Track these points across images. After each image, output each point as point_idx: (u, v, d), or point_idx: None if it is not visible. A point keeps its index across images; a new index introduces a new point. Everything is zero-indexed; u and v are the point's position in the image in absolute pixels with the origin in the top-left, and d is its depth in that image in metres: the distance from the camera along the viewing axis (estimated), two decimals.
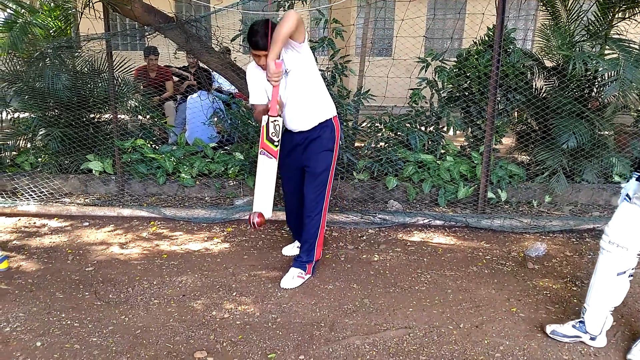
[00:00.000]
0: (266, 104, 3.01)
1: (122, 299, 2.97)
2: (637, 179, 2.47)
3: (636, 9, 4.48)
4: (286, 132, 3.04)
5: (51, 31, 5.10)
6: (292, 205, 3.34)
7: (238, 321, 2.75)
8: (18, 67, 4.82)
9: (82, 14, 4.63)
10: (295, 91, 2.94)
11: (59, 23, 5.17)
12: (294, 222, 3.44)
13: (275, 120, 2.90)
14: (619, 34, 4.55)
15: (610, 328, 2.60)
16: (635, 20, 4.54)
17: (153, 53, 6.13)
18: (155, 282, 3.16)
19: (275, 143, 2.93)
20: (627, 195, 2.46)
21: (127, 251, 3.62)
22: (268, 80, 2.83)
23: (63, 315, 2.79)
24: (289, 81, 2.91)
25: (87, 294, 3.03)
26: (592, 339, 2.54)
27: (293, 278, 3.13)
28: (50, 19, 5.11)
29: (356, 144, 4.80)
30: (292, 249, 3.57)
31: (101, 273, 3.28)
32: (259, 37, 2.78)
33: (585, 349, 2.52)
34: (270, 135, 2.91)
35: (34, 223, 4.13)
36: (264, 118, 2.91)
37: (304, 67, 2.91)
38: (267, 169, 2.94)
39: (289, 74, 2.89)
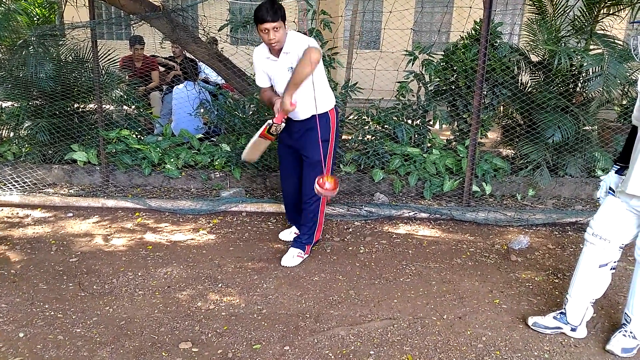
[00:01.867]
0: (270, 87, 3.18)
1: (107, 290, 2.95)
2: (616, 172, 2.51)
3: (621, 5, 4.52)
4: (286, 120, 3.15)
5: (35, 19, 5.03)
6: (289, 188, 3.45)
7: (223, 312, 2.75)
8: (0, 55, 4.74)
9: (66, 1, 4.56)
10: None
11: (43, 10, 5.10)
12: (290, 206, 3.54)
13: (278, 126, 3.05)
14: (603, 30, 4.60)
15: (590, 319, 2.66)
16: (620, 16, 4.58)
17: (139, 42, 6.06)
18: (140, 274, 3.15)
19: (274, 135, 3.12)
20: (611, 188, 2.50)
21: (112, 242, 3.59)
22: (275, 110, 3.03)
23: (46, 306, 2.77)
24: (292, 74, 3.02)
25: (70, 285, 3.01)
26: (573, 329, 2.58)
27: (293, 257, 3.30)
28: (34, 7, 5.03)
29: (343, 137, 4.81)
30: (289, 234, 3.66)
31: (85, 264, 3.26)
32: (264, 11, 2.83)
33: (566, 340, 2.57)
34: (271, 131, 3.08)
35: (17, 213, 4.09)
36: (268, 122, 3.06)
37: None
38: (259, 143, 3.19)
39: (292, 70, 2.99)
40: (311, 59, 2.82)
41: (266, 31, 2.88)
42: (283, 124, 3.07)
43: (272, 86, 3.18)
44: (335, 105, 3.25)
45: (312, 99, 3.05)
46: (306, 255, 3.36)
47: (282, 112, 3.00)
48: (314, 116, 3.08)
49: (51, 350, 2.41)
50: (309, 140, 3.15)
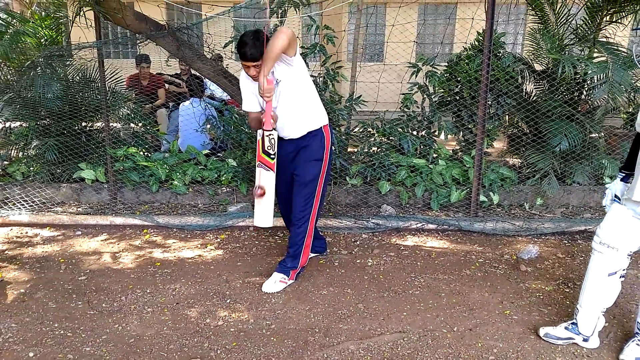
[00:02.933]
0: (259, 112, 3.04)
1: (116, 308, 2.95)
2: (621, 179, 2.50)
3: (623, 12, 4.53)
4: (278, 140, 3.06)
5: (42, 40, 5.10)
6: (285, 207, 3.37)
7: (232, 328, 2.75)
8: (9, 76, 4.81)
9: (73, 22, 4.62)
10: (286, 100, 2.96)
11: (50, 32, 5.17)
12: (288, 224, 3.47)
13: (270, 134, 2.93)
14: (607, 38, 4.60)
15: (602, 329, 2.62)
16: (623, 23, 4.59)
17: (145, 61, 6.13)
18: (148, 291, 3.15)
19: (272, 156, 2.97)
20: (616, 196, 2.49)
21: (120, 260, 3.60)
22: (260, 96, 2.85)
23: (56, 325, 2.77)
24: (280, 91, 2.93)
25: (80, 303, 3.01)
26: (585, 340, 2.55)
27: (275, 282, 3.16)
28: (41, 28, 5.10)
29: (349, 149, 4.82)
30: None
31: (94, 282, 3.27)
32: (247, 48, 2.77)
33: (579, 350, 2.54)
34: (266, 148, 2.95)
35: (26, 233, 4.11)
36: (259, 132, 2.96)
37: (295, 77, 2.93)
38: (265, 180, 3.00)
39: (280, 83, 2.91)
40: (282, 30, 2.70)
41: (247, 68, 2.84)
42: (275, 132, 2.95)
43: (261, 109, 3.02)
44: (329, 124, 3.15)
45: (302, 118, 3.00)
46: (291, 281, 3.19)
47: (268, 115, 2.90)
48: (307, 134, 3.02)
49: None
50: (301, 159, 3.07)
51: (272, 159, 2.97)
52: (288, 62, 2.84)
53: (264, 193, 2.98)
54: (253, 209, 4.41)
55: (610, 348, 2.57)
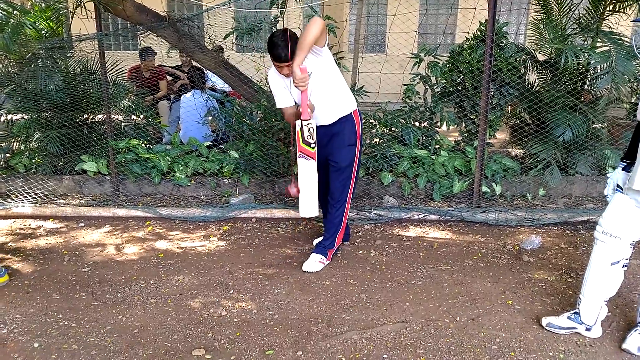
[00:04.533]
0: (295, 106, 3.11)
1: (119, 299, 2.97)
2: (623, 169, 2.50)
3: (626, 2, 4.50)
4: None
5: (43, 32, 5.08)
6: (320, 191, 3.38)
7: (235, 318, 2.76)
8: (10, 68, 4.80)
9: (73, 14, 4.61)
10: (316, 90, 3.01)
11: (51, 24, 5.15)
12: (324, 207, 3.50)
13: (308, 124, 2.98)
14: (610, 27, 4.57)
15: (605, 318, 2.63)
16: (626, 13, 4.56)
17: (151, 54, 6.09)
18: (152, 282, 3.16)
19: (312, 145, 3.02)
20: (618, 185, 2.48)
21: (124, 251, 3.61)
22: (296, 87, 2.89)
23: (60, 316, 2.79)
24: (310, 81, 2.96)
25: (84, 294, 3.03)
26: (588, 329, 2.56)
27: (315, 262, 3.28)
28: (41, 20, 5.09)
29: None
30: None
31: (98, 273, 3.28)
32: (280, 50, 2.82)
33: (581, 340, 2.54)
34: (306, 138, 3.00)
35: (29, 225, 4.12)
36: (298, 123, 2.99)
37: (324, 67, 2.99)
38: (308, 170, 3.06)
39: (310, 75, 2.95)
40: (315, 19, 2.77)
41: (281, 68, 2.91)
42: (313, 120, 2.99)
43: (295, 103, 3.11)
44: (358, 109, 3.23)
45: (332, 104, 3.07)
46: (327, 262, 3.33)
47: (304, 105, 2.94)
48: (339, 120, 3.08)
49: (66, 359, 2.42)
50: (336, 146, 3.15)
51: (313, 148, 3.03)
52: (317, 52, 2.90)
53: (299, 191, 3.08)
54: (256, 201, 4.43)
55: (612, 337, 2.57)
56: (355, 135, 3.18)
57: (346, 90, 3.15)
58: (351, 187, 3.28)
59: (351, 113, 3.15)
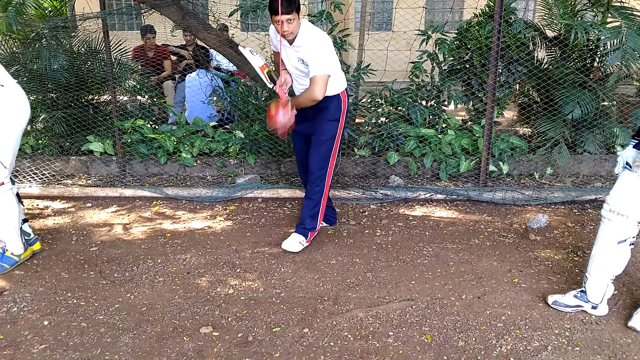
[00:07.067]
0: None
1: (127, 278, 2.99)
2: (634, 147, 2.46)
3: None
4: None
5: (46, 11, 5.05)
6: (302, 167, 3.47)
7: (242, 297, 2.78)
8: (14, 49, 4.78)
9: None
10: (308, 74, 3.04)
11: (54, 3, 5.11)
12: (304, 179, 3.54)
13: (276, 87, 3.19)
14: (621, 2, 4.47)
15: (611, 297, 2.62)
16: None
17: (150, 32, 6.06)
18: (159, 261, 3.19)
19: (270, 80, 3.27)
20: (628, 163, 2.46)
21: (131, 231, 3.64)
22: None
23: (69, 294, 2.82)
24: (303, 69, 3.06)
25: (92, 273, 3.06)
26: (594, 307, 2.56)
27: (295, 243, 3.26)
28: None
29: (357, 120, 4.78)
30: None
31: (105, 253, 3.31)
32: (278, 1, 2.79)
33: (587, 318, 2.55)
34: (267, 75, 3.24)
35: (37, 205, 4.15)
36: (268, 71, 3.24)
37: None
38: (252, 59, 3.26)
39: (303, 63, 3.02)
40: (313, 95, 2.96)
41: (279, 22, 2.86)
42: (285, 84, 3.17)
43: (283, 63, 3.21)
44: (346, 89, 3.24)
45: None
46: (307, 244, 3.30)
47: (282, 93, 3.11)
48: (326, 97, 3.09)
49: (75, 337, 2.46)
50: (319, 120, 3.18)
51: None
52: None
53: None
54: (262, 181, 4.42)
55: (619, 315, 2.57)
56: (339, 112, 3.19)
57: (338, 71, 3.18)
58: (331, 165, 3.26)
59: (339, 94, 3.18)
